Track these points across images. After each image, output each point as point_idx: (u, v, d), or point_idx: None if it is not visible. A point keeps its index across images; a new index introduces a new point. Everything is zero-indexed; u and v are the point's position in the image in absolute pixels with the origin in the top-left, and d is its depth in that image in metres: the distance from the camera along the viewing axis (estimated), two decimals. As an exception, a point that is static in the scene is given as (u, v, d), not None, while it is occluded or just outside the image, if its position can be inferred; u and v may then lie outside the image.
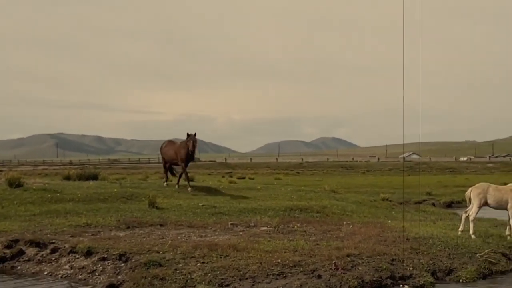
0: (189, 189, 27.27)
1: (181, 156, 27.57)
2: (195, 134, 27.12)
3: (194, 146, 26.91)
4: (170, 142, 29.51)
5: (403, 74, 13.19)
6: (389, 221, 21.76)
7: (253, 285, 12.08)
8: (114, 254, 13.88)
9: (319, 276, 12.70)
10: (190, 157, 27.60)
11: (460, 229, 18.23)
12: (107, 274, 13.24)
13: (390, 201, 32.02)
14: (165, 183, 29.24)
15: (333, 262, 13.32)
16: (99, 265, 13.73)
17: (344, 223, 20.20)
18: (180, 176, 28.67)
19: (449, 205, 37.78)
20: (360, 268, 13.34)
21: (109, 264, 13.69)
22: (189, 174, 28.95)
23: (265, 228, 18.40)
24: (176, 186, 28.41)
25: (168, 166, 29.63)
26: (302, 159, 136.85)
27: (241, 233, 17.34)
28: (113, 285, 12.34)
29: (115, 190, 25.80)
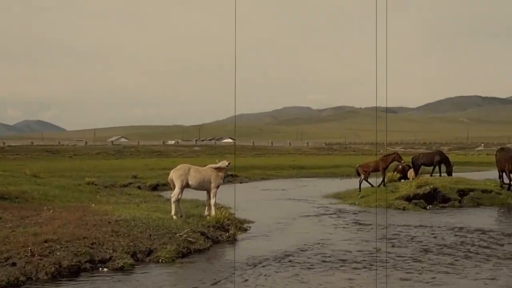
0: None
1: None
2: None
3: None
4: None
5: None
6: (93, 204, 21.67)
7: None
8: None
9: (14, 264, 12.26)
10: None
11: (172, 213, 18.50)
12: None
13: (95, 184, 31.99)
14: None
15: (29, 248, 12.83)
16: None
17: (45, 208, 19.60)
18: None
19: (155, 187, 38.53)
20: (58, 253, 13.08)
21: None
22: None
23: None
24: None
25: None
26: (4, 143, 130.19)
27: None
28: None
29: None
